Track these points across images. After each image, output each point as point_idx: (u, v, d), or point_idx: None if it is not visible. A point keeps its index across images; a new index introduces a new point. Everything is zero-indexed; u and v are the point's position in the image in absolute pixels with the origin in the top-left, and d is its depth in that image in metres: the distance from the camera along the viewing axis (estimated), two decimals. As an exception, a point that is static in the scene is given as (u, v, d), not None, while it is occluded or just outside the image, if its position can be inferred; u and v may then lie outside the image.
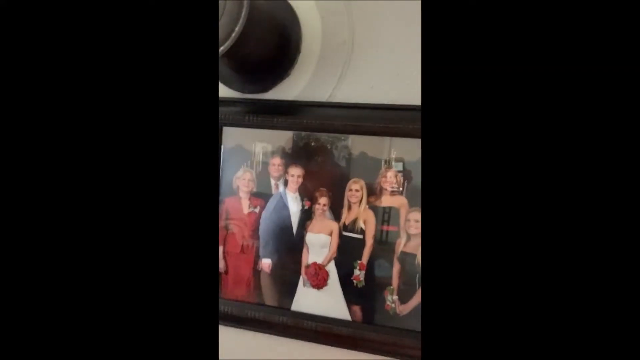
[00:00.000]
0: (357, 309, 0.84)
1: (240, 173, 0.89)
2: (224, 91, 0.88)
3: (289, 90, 0.85)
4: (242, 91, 0.87)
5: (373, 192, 0.82)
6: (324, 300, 0.85)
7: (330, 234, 0.84)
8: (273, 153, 0.87)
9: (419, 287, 0.80)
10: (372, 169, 0.82)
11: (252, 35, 0.68)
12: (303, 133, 0.85)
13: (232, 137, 0.89)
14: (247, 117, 0.87)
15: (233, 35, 0.62)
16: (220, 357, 0.88)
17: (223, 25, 0.63)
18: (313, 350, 0.87)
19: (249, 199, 0.89)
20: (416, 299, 0.80)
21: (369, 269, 0.83)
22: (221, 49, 0.63)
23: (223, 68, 0.83)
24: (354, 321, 0.84)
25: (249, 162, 0.88)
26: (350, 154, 0.83)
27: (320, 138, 0.84)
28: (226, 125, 0.89)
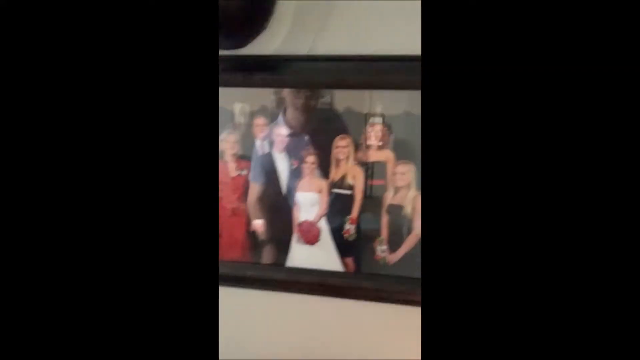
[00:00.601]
0: (349, 260, 0.88)
1: (223, 136, 0.87)
2: (197, 49, 0.83)
3: (266, 44, 0.80)
4: (220, 47, 0.81)
5: (359, 147, 0.82)
6: (317, 255, 0.88)
7: (320, 192, 0.85)
8: (256, 113, 0.84)
9: (406, 237, 0.83)
10: (357, 124, 0.81)
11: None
12: (285, 90, 0.82)
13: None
14: (224, 76, 0.82)
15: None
16: (220, 317, 0.93)
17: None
18: (309, 303, 0.92)
19: (235, 162, 0.87)
20: (404, 248, 0.84)
21: (359, 222, 0.85)
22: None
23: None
24: (346, 272, 0.88)
25: (230, 124, 0.85)
26: (335, 109, 0.81)
27: (304, 94, 0.81)
28: (204, 86, 0.84)
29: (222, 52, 0.81)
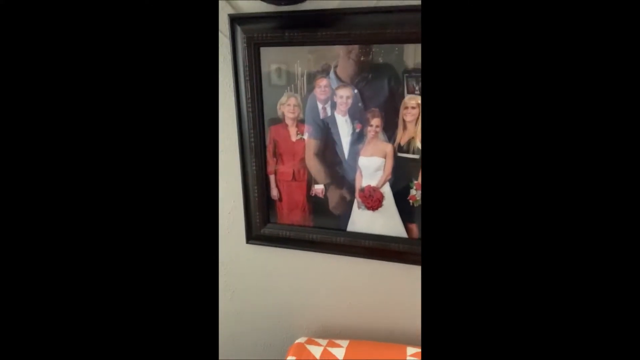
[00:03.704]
0: (413, 226, 0.85)
1: (284, 99, 0.84)
2: (255, 5, 0.78)
3: None
4: (276, 3, 0.76)
5: (431, 108, 0.76)
6: (379, 221, 0.86)
7: (385, 157, 0.81)
8: (318, 74, 0.80)
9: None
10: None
11: None
12: (350, 47, 0.76)
13: (270, 58, 0.82)
14: (285, 34, 0.78)
15: None
16: (280, 278, 0.96)
17: None
18: (371, 266, 0.92)
19: (296, 126, 0.85)
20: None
21: (426, 188, 0.81)
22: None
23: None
24: (410, 238, 0.86)
25: (292, 85, 0.82)
26: (405, 67, 0.74)
27: (371, 51, 0.75)
28: (263, 45, 0.81)
29: (283, 8, 0.76)
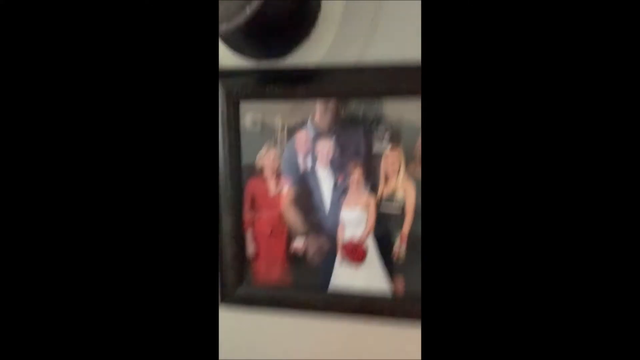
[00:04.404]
0: (398, 282, 0.82)
1: (263, 152, 0.82)
2: (235, 60, 0.79)
3: (311, 53, 0.76)
4: (257, 58, 0.77)
5: (412, 159, 0.77)
6: (362, 277, 0.82)
7: (367, 208, 0.80)
8: (299, 127, 0.80)
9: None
10: (409, 134, 0.76)
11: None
12: (331, 102, 0.77)
13: (251, 113, 0.81)
14: (266, 89, 0.78)
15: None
16: (258, 344, 0.87)
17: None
18: (354, 328, 0.85)
19: (276, 179, 0.83)
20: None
21: (410, 242, 0.79)
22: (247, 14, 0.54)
23: (231, 33, 0.73)
24: (395, 294, 0.82)
25: (272, 138, 0.81)
26: (384, 120, 0.76)
27: (351, 106, 0.77)
28: (243, 99, 0.80)
29: (264, 64, 0.77)
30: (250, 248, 0.87)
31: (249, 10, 0.57)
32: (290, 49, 0.77)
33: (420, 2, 0.68)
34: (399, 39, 0.74)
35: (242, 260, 0.86)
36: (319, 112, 0.78)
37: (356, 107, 0.77)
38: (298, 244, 0.84)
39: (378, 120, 0.76)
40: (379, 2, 0.74)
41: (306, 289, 0.85)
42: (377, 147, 0.77)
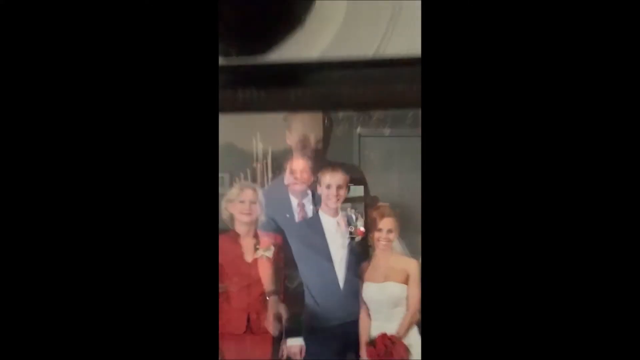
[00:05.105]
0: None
1: (233, 193, 0.59)
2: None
3: (308, 44, 0.55)
4: (231, 54, 0.56)
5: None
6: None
7: (407, 281, 0.56)
8: (291, 152, 0.60)
9: None
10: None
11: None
12: (341, 114, 0.58)
13: (220, 130, 0.57)
14: (241, 95, 0.55)
15: None
16: None
17: None
18: None
19: (254, 236, 0.59)
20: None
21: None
22: None
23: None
24: None
25: (248, 170, 0.61)
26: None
27: (370, 119, 0.58)
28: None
29: (243, 59, 0.55)
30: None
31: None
32: (276, 40, 0.55)
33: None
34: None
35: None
36: (321, 128, 0.60)
37: (378, 121, 0.59)
38: (293, 345, 0.57)
39: (413, 140, 0.55)
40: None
41: None
42: (416, 182, 0.53)
